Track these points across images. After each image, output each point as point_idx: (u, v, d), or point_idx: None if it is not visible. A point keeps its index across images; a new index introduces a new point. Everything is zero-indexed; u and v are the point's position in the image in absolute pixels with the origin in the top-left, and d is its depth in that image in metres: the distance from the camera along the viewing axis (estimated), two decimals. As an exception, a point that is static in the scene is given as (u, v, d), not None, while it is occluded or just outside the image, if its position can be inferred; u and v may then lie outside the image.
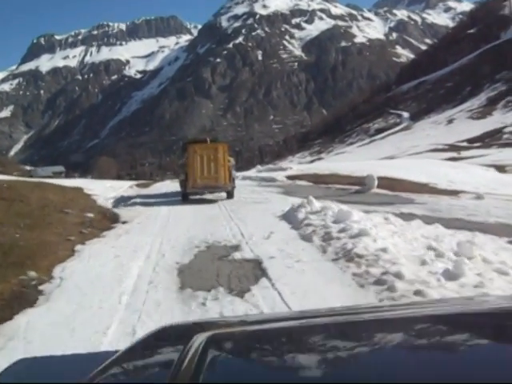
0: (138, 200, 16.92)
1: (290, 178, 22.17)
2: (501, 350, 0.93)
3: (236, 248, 7.89)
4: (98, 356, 1.46)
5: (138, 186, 28.01)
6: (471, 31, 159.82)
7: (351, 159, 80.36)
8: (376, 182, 15.66)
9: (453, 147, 67.91)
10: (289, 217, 10.11)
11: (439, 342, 1.01)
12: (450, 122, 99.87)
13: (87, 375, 1.05)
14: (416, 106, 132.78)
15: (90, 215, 11.52)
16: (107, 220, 11.55)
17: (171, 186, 25.70)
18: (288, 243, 7.87)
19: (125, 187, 25.08)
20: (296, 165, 34.61)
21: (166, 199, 17.34)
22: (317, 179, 20.37)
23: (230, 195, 16.42)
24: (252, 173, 30.64)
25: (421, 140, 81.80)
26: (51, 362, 1.53)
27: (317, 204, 10.12)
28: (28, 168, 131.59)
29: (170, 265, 6.94)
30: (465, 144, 70.25)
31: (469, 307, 1.31)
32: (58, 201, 13.02)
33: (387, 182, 16.92)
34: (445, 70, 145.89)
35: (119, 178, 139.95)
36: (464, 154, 54.34)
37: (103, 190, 20.76)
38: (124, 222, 11.32)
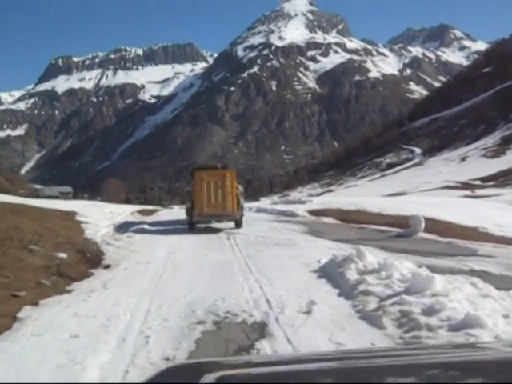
0: (134, 233, 14.36)
1: (312, 213, 19.52)
2: None
3: (261, 330, 4.95)
4: None
5: (140, 212, 25.58)
6: (486, 70, 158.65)
7: (362, 193, 77.85)
8: (423, 225, 12.79)
9: (466, 185, 65.67)
10: (331, 274, 7.19)
11: None
12: (463, 159, 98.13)
13: None
14: (429, 142, 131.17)
15: (63, 255, 8.59)
16: (85, 262, 8.65)
17: (177, 213, 23.44)
18: (344, 327, 4.91)
19: (126, 213, 22.73)
20: (316, 197, 32.17)
21: (169, 231, 15.48)
22: (344, 216, 17.64)
23: (238, 224, 15.69)
24: (267, 204, 28.43)
25: (433, 177, 79.91)
26: None
27: (371, 258, 7.28)
28: (38, 187, 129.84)
29: (154, 364, 4.08)
30: (478, 182, 68.04)
31: (490, 355, 1.28)
32: (31, 231, 10.21)
33: (431, 225, 14.02)
34: (458, 107, 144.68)
35: (128, 200, 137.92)
36: (478, 192, 51.94)
37: (99, 217, 18.27)
38: (106, 267, 8.50)
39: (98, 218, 17.75)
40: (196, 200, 15.28)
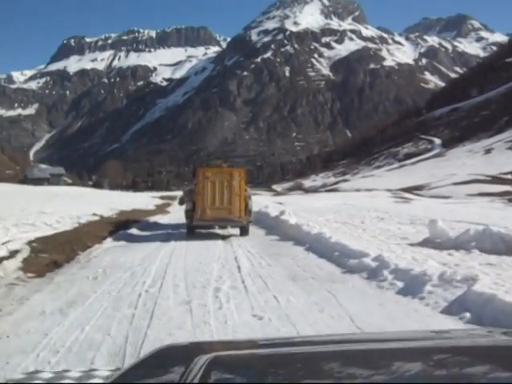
0: None
1: None
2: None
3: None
4: (99, 373, 1.41)
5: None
6: (509, 60, 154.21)
7: (383, 184, 75.17)
8: None
9: (497, 179, 62.80)
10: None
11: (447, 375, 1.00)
12: (488, 151, 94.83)
13: None
14: (449, 132, 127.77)
15: None
16: None
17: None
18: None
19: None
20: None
21: None
22: None
23: (244, 231, 13.85)
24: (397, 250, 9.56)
25: (457, 169, 77.02)
26: (51, 378, 1.47)
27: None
28: (43, 167, 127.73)
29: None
30: (510, 176, 65.09)
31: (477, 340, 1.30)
32: None
33: None
34: (480, 97, 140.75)
35: (135, 184, 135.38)
36: (517, 187, 49.07)
37: None
38: None
39: None
40: (198, 201, 13.59)
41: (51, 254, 9.30)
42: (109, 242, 12.23)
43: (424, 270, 6.58)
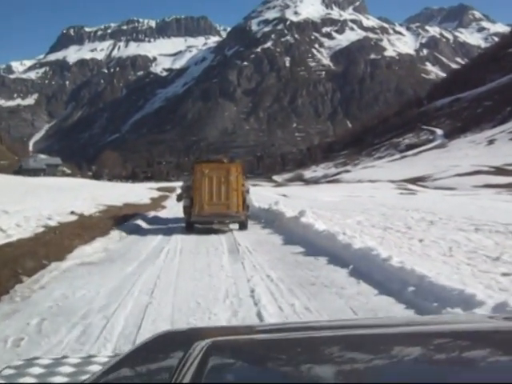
0: None
1: None
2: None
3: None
4: (98, 360, 1.45)
5: None
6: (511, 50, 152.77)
7: (385, 175, 73.76)
8: None
9: (501, 170, 61.62)
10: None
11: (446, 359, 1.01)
12: (491, 142, 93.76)
13: (87, 378, 1.07)
14: (450, 123, 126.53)
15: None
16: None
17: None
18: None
19: None
20: None
21: None
22: None
23: (242, 226, 13.98)
24: None
25: (460, 160, 76.07)
26: (50, 364, 1.51)
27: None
28: (43, 157, 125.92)
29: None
30: (514, 168, 63.82)
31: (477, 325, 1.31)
32: None
33: None
34: (482, 88, 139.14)
35: (134, 175, 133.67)
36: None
37: None
38: None
39: None
40: (196, 197, 13.83)
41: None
42: (73, 258, 8.78)
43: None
